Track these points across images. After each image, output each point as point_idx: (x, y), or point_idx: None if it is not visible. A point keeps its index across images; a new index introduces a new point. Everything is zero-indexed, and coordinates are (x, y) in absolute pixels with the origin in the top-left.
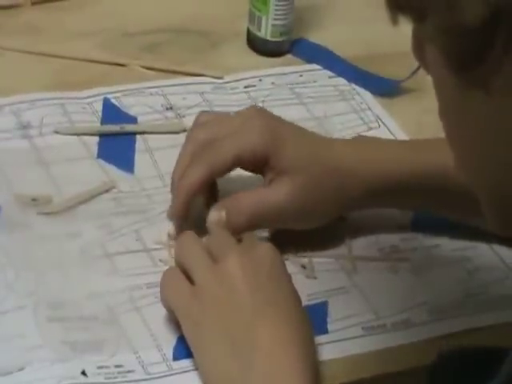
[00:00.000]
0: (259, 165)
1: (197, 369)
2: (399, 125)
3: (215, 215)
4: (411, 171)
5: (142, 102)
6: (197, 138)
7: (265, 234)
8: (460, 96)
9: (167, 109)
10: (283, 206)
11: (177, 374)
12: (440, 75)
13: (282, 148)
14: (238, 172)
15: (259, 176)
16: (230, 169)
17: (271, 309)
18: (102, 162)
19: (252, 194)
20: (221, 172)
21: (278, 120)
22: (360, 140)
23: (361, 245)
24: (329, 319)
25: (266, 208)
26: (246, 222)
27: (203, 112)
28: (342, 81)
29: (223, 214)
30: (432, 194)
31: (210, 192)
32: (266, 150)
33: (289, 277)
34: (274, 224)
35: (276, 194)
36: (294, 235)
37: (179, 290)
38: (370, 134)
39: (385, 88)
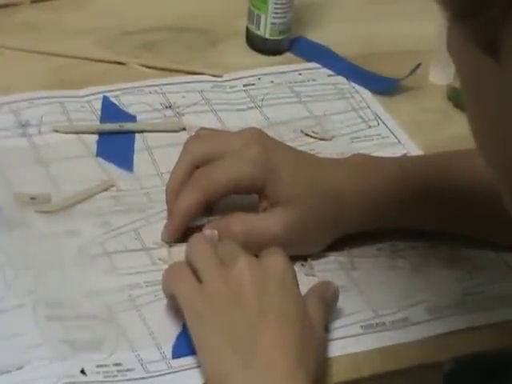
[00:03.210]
0: (254, 192)
1: (196, 367)
2: (398, 123)
3: (209, 234)
4: (409, 190)
5: (141, 100)
6: (193, 151)
7: None
8: (476, 69)
9: (166, 107)
10: (276, 236)
11: (176, 372)
12: (458, 48)
13: (277, 178)
14: None
15: None
16: (224, 196)
17: (276, 313)
18: (101, 160)
19: (245, 221)
20: (215, 199)
21: (276, 146)
22: (355, 162)
23: (360, 243)
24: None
25: (257, 238)
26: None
27: (203, 128)
28: (341, 79)
29: (216, 234)
30: (429, 212)
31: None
32: (262, 179)
33: (298, 288)
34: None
35: (269, 224)
36: None
37: (186, 282)
38: (369, 132)
39: (384, 86)
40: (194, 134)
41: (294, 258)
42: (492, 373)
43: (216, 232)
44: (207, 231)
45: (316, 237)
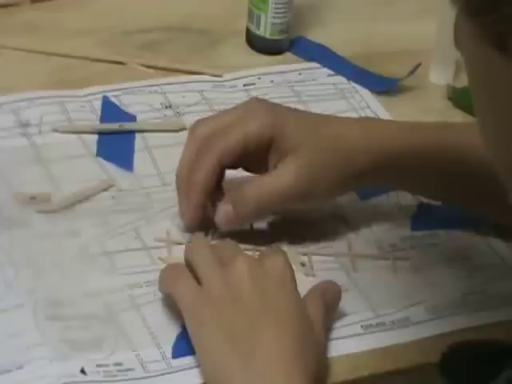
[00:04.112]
0: (264, 148)
1: (196, 366)
2: None
3: (223, 209)
4: (414, 148)
5: (141, 100)
6: (198, 133)
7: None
8: (486, 67)
9: (166, 107)
10: (289, 188)
11: (176, 371)
12: (468, 45)
13: (285, 128)
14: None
15: None
16: (238, 154)
17: (276, 313)
18: (101, 160)
19: (256, 182)
20: (230, 158)
21: (280, 105)
22: (364, 118)
23: (360, 243)
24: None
25: (271, 194)
26: (254, 211)
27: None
28: (341, 79)
29: (230, 207)
30: (434, 174)
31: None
32: (271, 130)
33: (296, 288)
34: (280, 207)
35: (281, 177)
36: (294, 233)
37: (185, 283)
38: None
39: (384, 86)
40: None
41: (295, 258)
42: (487, 358)
43: (230, 206)
44: (222, 207)
45: (327, 184)
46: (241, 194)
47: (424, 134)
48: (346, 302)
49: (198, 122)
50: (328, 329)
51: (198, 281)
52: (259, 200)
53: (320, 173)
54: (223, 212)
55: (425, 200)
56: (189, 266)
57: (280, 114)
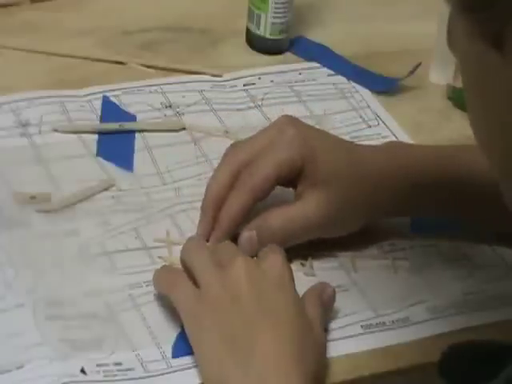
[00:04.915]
0: (295, 177)
1: (196, 366)
2: (398, 123)
3: (247, 235)
4: (439, 176)
5: (141, 100)
6: (234, 156)
7: None
8: (480, 65)
9: (166, 107)
10: (313, 221)
11: (176, 371)
12: (462, 44)
13: (315, 159)
14: None
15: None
16: (272, 189)
17: (274, 313)
18: (101, 160)
19: (282, 213)
20: (264, 195)
21: (309, 129)
22: (389, 147)
23: (360, 243)
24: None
25: (296, 225)
26: (278, 241)
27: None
28: (341, 79)
29: (254, 235)
30: (457, 200)
31: None
32: (301, 159)
33: (294, 290)
34: (305, 238)
35: (306, 209)
36: None
37: (184, 287)
38: (369, 131)
39: (384, 86)
40: (231, 145)
41: (294, 257)
42: (487, 358)
43: (255, 234)
44: (246, 233)
45: (348, 218)
46: (266, 223)
47: (452, 161)
48: (346, 302)
49: (232, 146)
50: (325, 329)
51: (196, 283)
52: (285, 232)
53: (345, 207)
54: (247, 238)
55: None
56: (186, 267)
57: (309, 143)
